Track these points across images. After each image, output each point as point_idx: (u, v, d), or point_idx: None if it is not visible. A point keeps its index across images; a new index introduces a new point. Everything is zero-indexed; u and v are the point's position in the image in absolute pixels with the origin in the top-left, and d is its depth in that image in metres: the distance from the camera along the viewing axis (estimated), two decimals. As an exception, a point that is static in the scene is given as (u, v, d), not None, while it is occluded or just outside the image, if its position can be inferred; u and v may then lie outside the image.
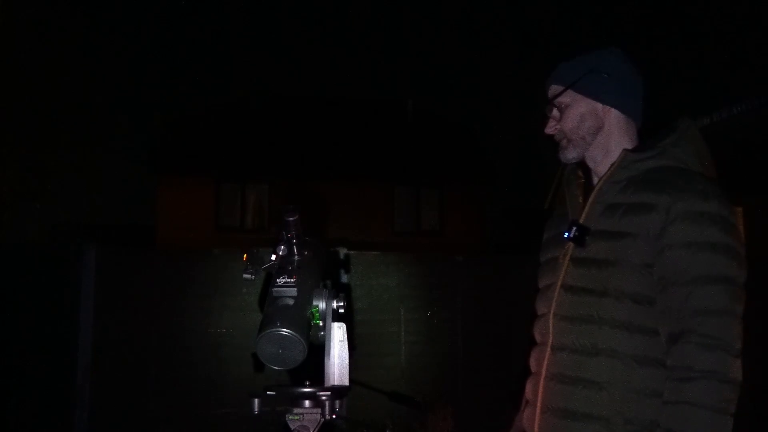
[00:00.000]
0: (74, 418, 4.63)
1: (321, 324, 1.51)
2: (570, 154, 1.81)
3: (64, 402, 4.68)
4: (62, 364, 4.73)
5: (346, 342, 1.54)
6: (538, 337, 1.83)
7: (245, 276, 1.48)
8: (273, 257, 1.48)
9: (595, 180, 1.81)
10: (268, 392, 1.45)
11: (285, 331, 1.38)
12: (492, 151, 18.39)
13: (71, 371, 4.67)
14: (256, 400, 1.44)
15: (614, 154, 1.77)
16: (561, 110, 1.80)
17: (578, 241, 1.71)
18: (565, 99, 1.78)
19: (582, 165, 1.87)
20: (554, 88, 1.81)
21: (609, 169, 1.75)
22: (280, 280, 1.45)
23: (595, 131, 1.78)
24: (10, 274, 4.88)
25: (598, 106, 1.78)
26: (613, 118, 1.78)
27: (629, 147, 1.77)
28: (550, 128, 1.82)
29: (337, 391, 1.49)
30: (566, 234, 1.74)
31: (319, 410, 1.45)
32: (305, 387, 1.48)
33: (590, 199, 1.76)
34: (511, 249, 14.58)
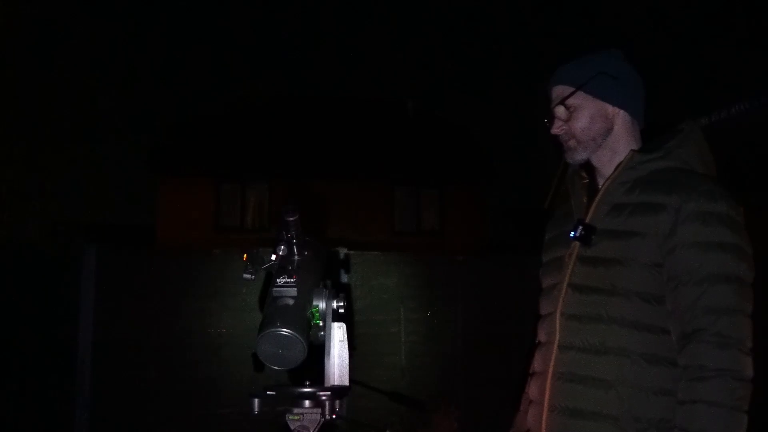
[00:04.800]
0: (74, 418, 4.63)
1: (321, 324, 1.51)
2: (578, 156, 1.81)
3: (65, 402, 4.68)
4: (62, 364, 4.73)
5: (346, 342, 1.54)
6: (543, 337, 1.83)
7: (245, 276, 1.48)
8: (273, 257, 1.48)
9: (600, 181, 1.81)
10: (268, 392, 1.45)
11: (285, 331, 1.38)
12: (492, 151, 18.34)
13: (71, 371, 4.67)
14: (256, 400, 1.44)
15: (621, 155, 1.78)
16: (569, 111, 1.79)
17: (584, 240, 1.72)
18: (574, 100, 1.77)
19: (585, 165, 1.88)
20: (562, 89, 1.80)
21: (616, 169, 1.76)
22: (280, 280, 1.45)
23: (604, 133, 1.78)
24: (10, 274, 4.87)
25: (608, 107, 1.78)
26: (621, 119, 1.79)
27: (636, 148, 1.78)
28: (558, 128, 1.82)
29: (337, 391, 1.49)
30: (572, 233, 1.74)
31: (319, 410, 1.45)
32: (305, 387, 1.48)
33: (596, 199, 1.76)
34: (512, 249, 14.58)
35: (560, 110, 1.81)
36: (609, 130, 1.78)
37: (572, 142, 1.80)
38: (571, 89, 1.77)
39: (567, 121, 1.80)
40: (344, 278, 5.09)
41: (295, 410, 1.46)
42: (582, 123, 1.78)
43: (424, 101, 19.02)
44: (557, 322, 1.74)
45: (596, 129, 1.78)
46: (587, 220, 1.75)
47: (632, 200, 1.69)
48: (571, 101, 1.78)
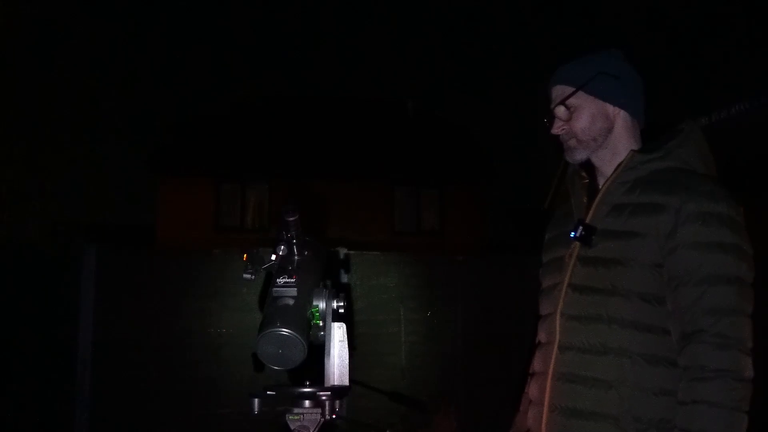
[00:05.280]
0: (74, 418, 4.63)
1: (321, 324, 1.50)
2: (579, 155, 1.80)
3: (65, 402, 4.67)
4: (62, 364, 4.73)
5: (346, 342, 1.54)
6: (543, 337, 1.83)
7: (245, 276, 1.47)
8: (273, 257, 1.47)
9: (601, 181, 1.81)
10: (268, 392, 1.45)
11: (285, 331, 1.38)
12: (492, 151, 18.35)
13: (71, 371, 4.67)
14: (256, 400, 1.43)
15: (622, 155, 1.77)
16: (570, 111, 1.79)
17: (585, 240, 1.72)
18: (575, 100, 1.77)
19: (585, 165, 1.88)
20: (562, 89, 1.80)
21: (616, 169, 1.76)
22: (280, 280, 1.45)
23: (605, 132, 1.78)
24: (10, 274, 4.87)
25: (609, 107, 1.78)
26: (622, 119, 1.79)
27: (636, 148, 1.78)
28: (558, 128, 1.81)
29: (337, 391, 1.49)
30: (573, 233, 1.74)
31: (319, 410, 1.45)
32: (305, 387, 1.47)
33: (597, 199, 1.76)
34: (512, 249, 14.58)
35: (560, 110, 1.80)
36: (609, 130, 1.78)
37: (573, 142, 1.79)
38: (572, 89, 1.77)
39: (567, 121, 1.79)
40: (344, 278, 5.09)
41: (295, 410, 1.45)
42: (582, 123, 1.77)
43: (424, 101, 19.03)
44: (557, 322, 1.74)
45: (597, 129, 1.77)
46: (588, 221, 1.75)
47: (632, 200, 1.69)
48: (571, 101, 1.77)
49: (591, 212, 1.76)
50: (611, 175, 1.77)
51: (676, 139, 1.75)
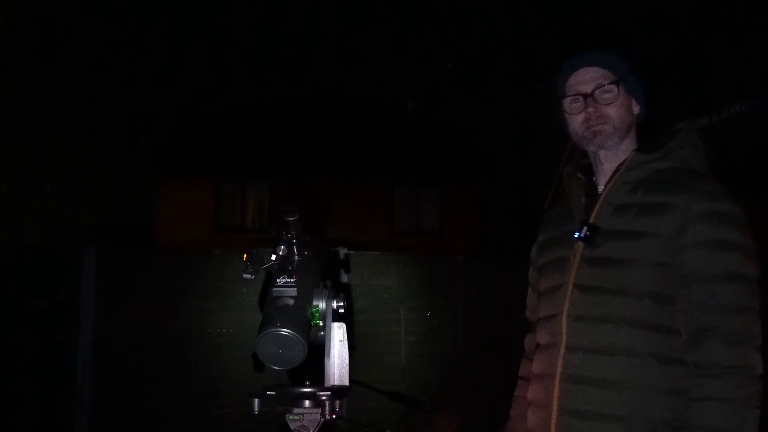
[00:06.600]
0: (74, 418, 4.63)
1: (321, 324, 1.50)
2: (610, 142, 1.77)
3: (64, 402, 4.67)
4: (62, 364, 4.73)
5: (346, 342, 1.54)
6: (546, 339, 1.81)
7: (245, 276, 1.47)
8: (273, 257, 1.47)
9: (599, 179, 1.81)
10: (268, 392, 1.45)
11: (285, 331, 1.38)
12: (492, 151, 18.32)
13: (71, 371, 4.67)
14: (256, 400, 1.43)
15: (623, 155, 1.78)
16: (611, 96, 1.76)
17: (589, 240, 1.71)
18: (616, 88, 1.76)
19: (581, 165, 1.88)
20: (603, 72, 1.77)
21: (618, 169, 1.76)
22: (280, 280, 1.45)
23: (631, 126, 1.80)
24: (10, 274, 4.87)
25: (633, 104, 1.80)
26: (637, 118, 1.82)
27: (635, 147, 1.79)
28: (592, 111, 1.76)
29: (337, 391, 1.49)
30: (577, 234, 1.74)
31: (319, 410, 1.45)
32: (305, 387, 1.47)
33: (600, 199, 1.76)
34: (512, 249, 14.56)
35: (603, 93, 1.76)
36: (632, 126, 1.80)
37: (608, 127, 1.76)
38: (613, 76, 1.76)
39: (605, 105, 1.76)
40: (344, 278, 5.09)
41: (295, 410, 1.45)
42: (622, 111, 1.77)
43: (424, 101, 19.00)
44: (564, 323, 1.73)
45: (628, 122, 1.79)
46: (591, 220, 1.75)
47: (637, 201, 1.69)
48: (613, 87, 1.76)
49: (594, 212, 1.75)
50: (614, 174, 1.77)
51: (676, 139, 1.75)
